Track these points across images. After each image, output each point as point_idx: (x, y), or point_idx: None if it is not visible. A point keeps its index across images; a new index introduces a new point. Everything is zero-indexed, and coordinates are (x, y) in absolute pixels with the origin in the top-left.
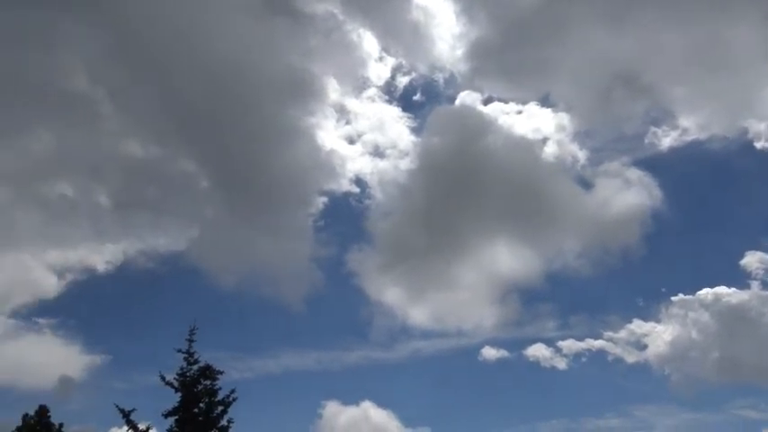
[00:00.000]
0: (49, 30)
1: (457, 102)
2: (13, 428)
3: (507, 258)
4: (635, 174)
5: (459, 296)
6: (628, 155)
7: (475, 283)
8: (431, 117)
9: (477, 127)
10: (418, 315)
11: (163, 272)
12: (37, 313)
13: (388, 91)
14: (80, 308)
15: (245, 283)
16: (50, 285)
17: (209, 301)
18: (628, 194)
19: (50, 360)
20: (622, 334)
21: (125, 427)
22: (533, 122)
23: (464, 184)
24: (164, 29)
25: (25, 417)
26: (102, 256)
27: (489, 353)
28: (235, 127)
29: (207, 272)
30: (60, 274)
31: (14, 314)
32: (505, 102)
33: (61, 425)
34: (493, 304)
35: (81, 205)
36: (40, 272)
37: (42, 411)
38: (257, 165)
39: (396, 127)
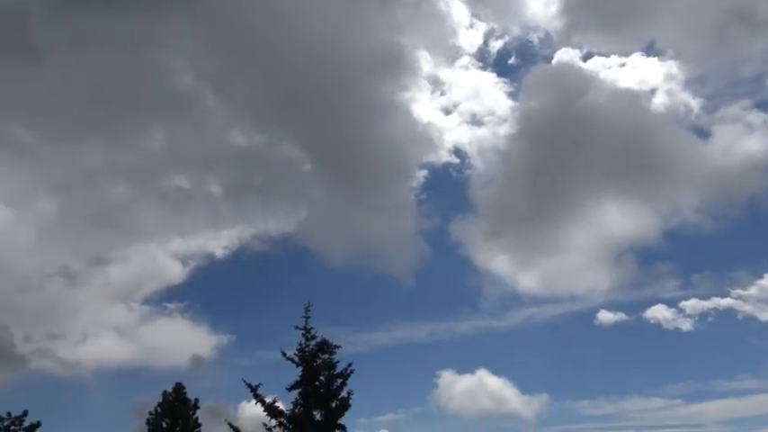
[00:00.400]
0: (153, 34)
1: (554, 61)
2: (155, 405)
3: (619, 217)
4: (757, 117)
5: (570, 260)
6: (747, 98)
7: (586, 245)
8: (527, 79)
9: (578, 85)
10: (528, 281)
11: (276, 253)
12: (166, 299)
13: (482, 57)
14: (204, 292)
15: (354, 259)
16: (176, 272)
17: (321, 279)
18: (750, 140)
19: (181, 341)
20: (752, 291)
21: (253, 401)
22: (639, 74)
23: (567, 145)
24: (257, 17)
25: (165, 394)
26: (219, 242)
27: (606, 317)
28: (332, 107)
29: (317, 251)
30: (184, 261)
31: (147, 301)
32: (606, 55)
33: (197, 400)
34: (607, 266)
35: (196, 195)
36: (166, 260)
37: (179, 388)
38: (357, 143)
39: (492, 93)
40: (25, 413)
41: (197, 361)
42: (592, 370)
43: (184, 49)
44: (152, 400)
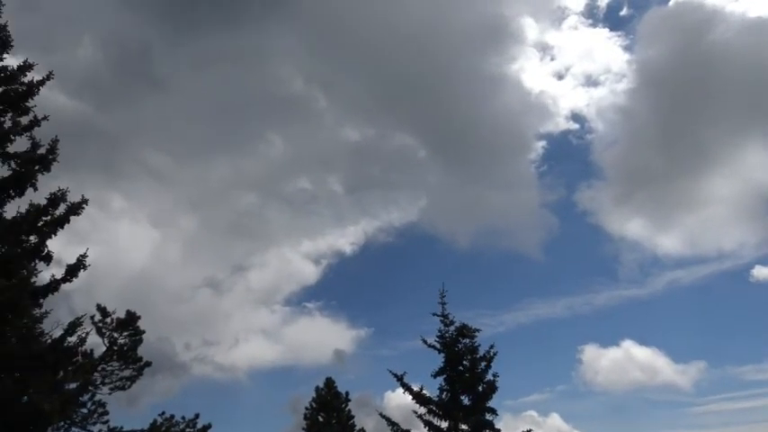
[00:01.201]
0: (261, 47)
1: (671, 2)
2: (307, 400)
3: (766, 160)
4: None
5: (713, 214)
6: None
7: (730, 195)
8: (642, 28)
9: (701, 22)
10: (669, 243)
11: (402, 244)
12: (304, 298)
13: (590, 14)
14: (338, 289)
15: (480, 240)
16: (310, 272)
17: (451, 264)
18: None
19: (323, 338)
20: None
21: (398, 390)
22: None
23: (696, 90)
24: (355, 15)
25: (317, 389)
26: (346, 239)
27: (762, 272)
28: (440, 90)
29: (442, 236)
30: (316, 261)
31: (287, 302)
32: None
33: (347, 393)
34: (757, 216)
35: (319, 195)
36: (299, 262)
37: (330, 383)
38: (469, 122)
39: (605, 50)
40: (197, 416)
41: (339, 355)
42: (752, 331)
43: (291, 56)
44: (303, 395)
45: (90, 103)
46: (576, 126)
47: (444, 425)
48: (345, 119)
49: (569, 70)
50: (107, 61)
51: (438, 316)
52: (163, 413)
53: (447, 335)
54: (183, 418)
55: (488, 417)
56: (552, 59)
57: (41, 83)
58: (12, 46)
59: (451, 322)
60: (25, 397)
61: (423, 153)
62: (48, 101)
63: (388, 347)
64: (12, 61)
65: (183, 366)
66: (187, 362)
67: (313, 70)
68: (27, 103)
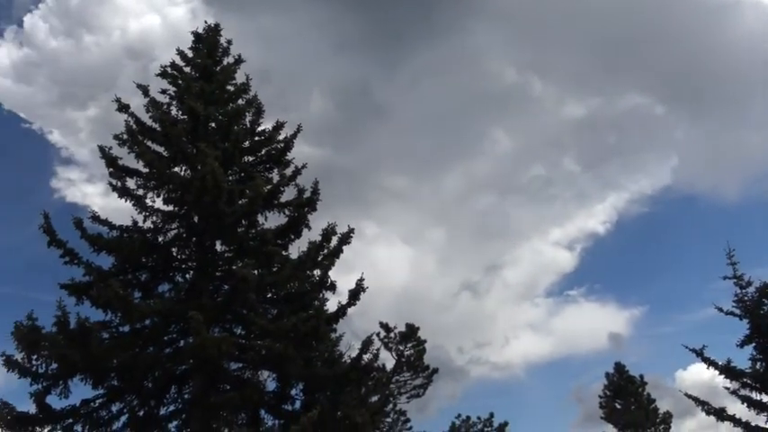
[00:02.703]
0: (465, 48)
1: None
2: (593, 388)
3: None
4: None
5: None
6: None
7: None
8: None
9: None
10: None
11: (659, 210)
12: (566, 287)
13: None
14: (599, 271)
15: (750, 188)
16: (565, 259)
17: (718, 221)
18: None
19: (594, 324)
20: None
21: (691, 368)
22: None
23: None
24: None
25: (607, 375)
26: (596, 219)
27: None
28: (662, 36)
29: (703, 194)
30: (569, 247)
31: (548, 293)
32: None
33: (641, 377)
34: None
35: (556, 180)
36: (552, 251)
37: (620, 369)
38: (705, 61)
39: None
40: (491, 415)
41: (615, 339)
42: None
43: (497, 50)
44: (585, 384)
45: (329, 146)
46: None
47: (766, 398)
48: (565, 96)
49: None
50: (336, 106)
51: (730, 279)
52: (459, 415)
53: (746, 298)
54: (479, 418)
55: None
56: None
57: (294, 137)
58: (264, 111)
59: (748, 283)
60: (339, 412)
61: (660, 109)
62: (296, 152)
63: (670, 323)
64: (266, 124)
65: (461, 370)
66: (463, 365)
67: (522, 57)
68: (286, 157)
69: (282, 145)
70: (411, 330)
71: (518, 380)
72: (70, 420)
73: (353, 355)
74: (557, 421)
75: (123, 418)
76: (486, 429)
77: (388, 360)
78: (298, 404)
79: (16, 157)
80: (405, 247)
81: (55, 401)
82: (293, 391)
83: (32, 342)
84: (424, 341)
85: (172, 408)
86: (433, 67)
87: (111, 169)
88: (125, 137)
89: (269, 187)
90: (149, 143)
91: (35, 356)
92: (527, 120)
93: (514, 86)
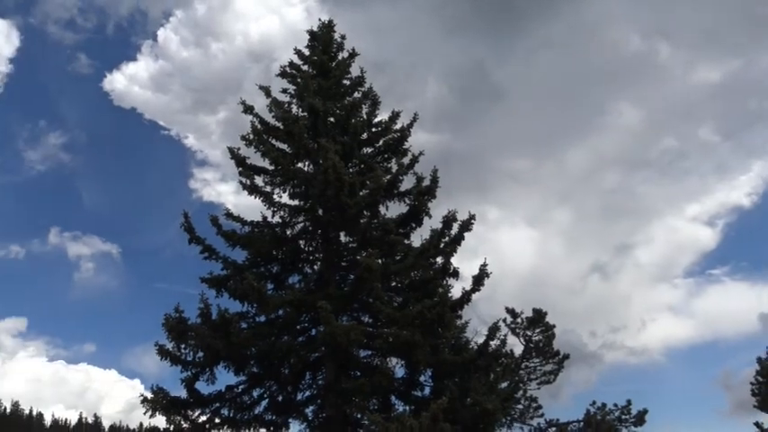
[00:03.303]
0: (585, 20)
1: None
2: (745, 374)
3: None
4: None
5: None
6: None
7: None
8: None
9: None
10: None
11: None
12: (707, 266)
13: None
14: (745, 247)
15: None
16: (706, 236)
17: None
18: None
19: (741, 304)
20: None
21: None
22: None
23: None
24: None
25: (759, 360)
26: (740, 191)
27: None
28: None
29: None
30: (709, 223)
31: (688, 273)
32: None
33: None
34: None
35: (690, 152)
36: (689, 228)
37: None
38: None
39: None
40: (629, 402)
41: (766, 320)
42: None
43: (618, 18)
44: (733, 369)
45: (446, 132)
46: None
47: None
48: (696, 60)
49: None
50: (451, 90)
51: None
52: (593, 402)
53: None
54: (616, 405)
55: None
56: None
57: (410, 125)
58: (380, 102)
59: None
60: (468, 399)
61: None
62: (413, 140)
63: None
64: (383, 115)
65: (594, 355)
66: (597, 350)
67: (645, 22)
68: (404, 146)
69: (399, 134)
70: (538, 315)
71: (657, 365)
72: (217, 404)
73: (480, 341)
74: (701, 409)
75: (264, 403)
76: (623, 417)
77: (516, 346)
78: (427, 390)
79: (159, 162)
80: (529, 230)
81: (203, 387)
82: (422, 378)
83: (180, 332)
84: (553, 326)
85: (308, 393)
86: (549, 41)
87: (240, 168)
88: (251, 137)
89: (388, 177)
90: (274, 141)
91: (183, 345)
92: (654, 89)
93: (638, 54)
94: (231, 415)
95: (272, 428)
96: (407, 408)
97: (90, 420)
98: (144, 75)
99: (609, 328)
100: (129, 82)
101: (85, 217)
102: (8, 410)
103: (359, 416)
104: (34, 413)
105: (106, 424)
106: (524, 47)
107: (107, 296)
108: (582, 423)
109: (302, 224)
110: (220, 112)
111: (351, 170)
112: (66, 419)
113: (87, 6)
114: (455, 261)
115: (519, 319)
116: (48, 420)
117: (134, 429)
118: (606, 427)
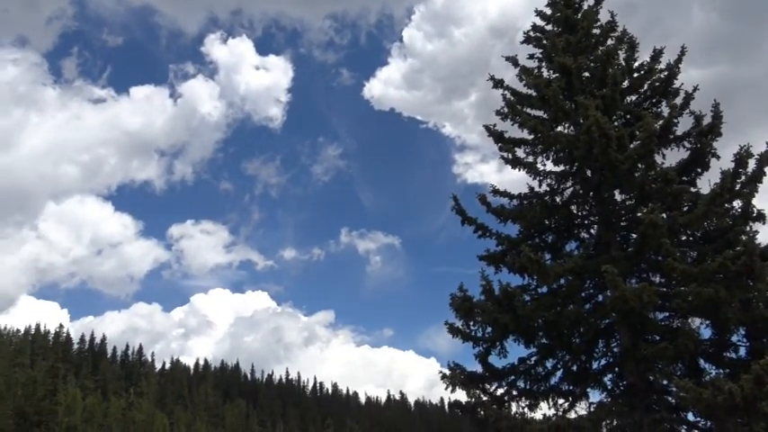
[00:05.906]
0: None
1: None
2: None
3: None
4: None
5: None
6: None
7: None
8: None
9: None
10: None
11: None
12: None
13: None
14: None
15: None
16: None
17: None
18: None
19: None
20: None
21: None
22: None
23: None
24: None
25: None
26: None
27: None
28: None
29: None
30: None
31: None
32: None
33: None
34: None
35: None
36: None
37: None
38: None
39: None
40: None
41: None
42: None
43: None
44: None
45: (723, 62)
46: None
47: None
48: None
49: None
50: (721, 15)
51: None
52: None
53: None
54: None
55: None
56: None
57: (678, 61)
58: (638, 44)
59: None
60: None
61: None
62: (683, 78)
63: None
64: (643, 57)
65: None
66: None
67: None
68: (673, 86)
69: (666, 74)
70: None
71: None
72: (512, 377)
73: None
74: None
75: (558, 374)
76: None
77: None
78: (742, 351)
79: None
80: None
81: (496, 361)
82: (734, 338)
83: (467, 310)
84: None
85: (603, 361)
86: None
87: (499, 144)
88: (505, 110)
89: (660, 123)
90: (529, 110)
91: (471, 322)
92: None
93: None
94: (527, 387)
95: (570, 399)
96: (720, 371)
97: (397, 397)
98: (396, 76)
99: None
100: (385, 85)
101: (367, 215)
102: (329, 391)
103: (664, 382)
104: (350, 392)
105: (411, 400)
106: None
107: (396, 284)
108: None
109: (571, 189)
110: (471, 95)
111: (616, 123)
112: (377, 397)
113: (341, 25)
114: (757, 202)
115: None
116: (362, 398)
117: (436, 404)
118: None
